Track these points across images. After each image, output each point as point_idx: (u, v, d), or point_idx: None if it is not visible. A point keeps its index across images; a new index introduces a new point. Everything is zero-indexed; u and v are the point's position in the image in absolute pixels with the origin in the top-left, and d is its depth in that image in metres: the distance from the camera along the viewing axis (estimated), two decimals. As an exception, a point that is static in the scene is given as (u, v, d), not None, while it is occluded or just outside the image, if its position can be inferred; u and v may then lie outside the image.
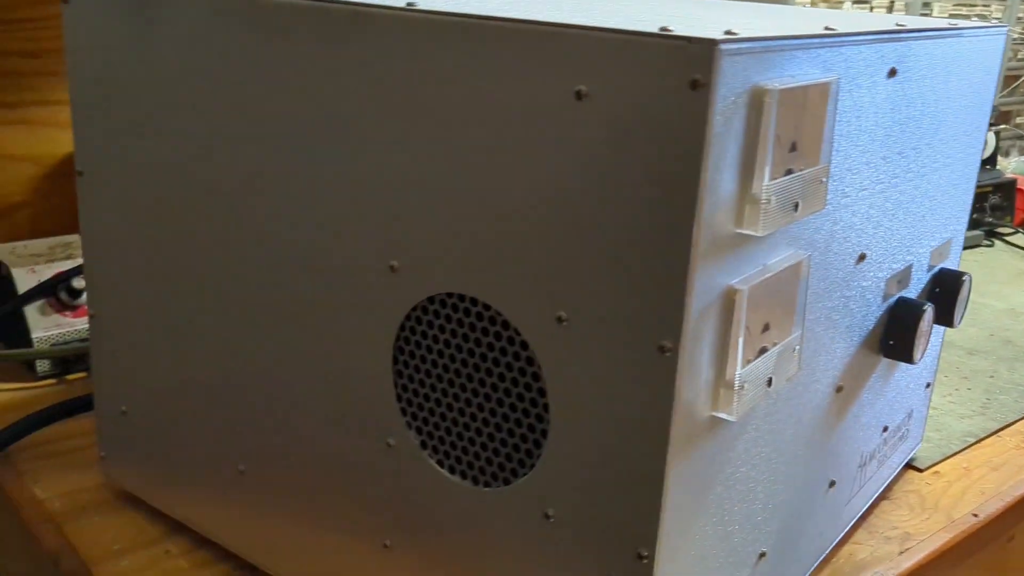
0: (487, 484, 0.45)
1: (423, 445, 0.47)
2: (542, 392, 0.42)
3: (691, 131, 0.35)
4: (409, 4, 0.43)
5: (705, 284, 0.38)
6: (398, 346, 0.46)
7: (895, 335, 0.59)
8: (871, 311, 0.57)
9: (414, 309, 0.45)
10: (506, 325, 0.42)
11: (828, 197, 0.47)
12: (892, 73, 0.50)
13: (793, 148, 0.41)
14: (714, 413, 0.41)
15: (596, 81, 0.37)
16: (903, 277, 0.60)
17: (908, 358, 0.59)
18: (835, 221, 0.49)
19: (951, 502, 0.70)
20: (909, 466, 0.75)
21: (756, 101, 0.38)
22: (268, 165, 0.49)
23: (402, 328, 0.46)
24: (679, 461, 0.39)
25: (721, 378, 0.41)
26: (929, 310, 0.59)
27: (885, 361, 0.61)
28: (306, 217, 0.48)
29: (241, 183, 0.51)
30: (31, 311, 0.82)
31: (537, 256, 0.40)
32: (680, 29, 0.36)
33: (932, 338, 0.67)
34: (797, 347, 0.46)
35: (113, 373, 0.62)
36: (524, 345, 0.42)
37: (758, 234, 0.39)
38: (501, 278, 0.42)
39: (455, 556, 0.46)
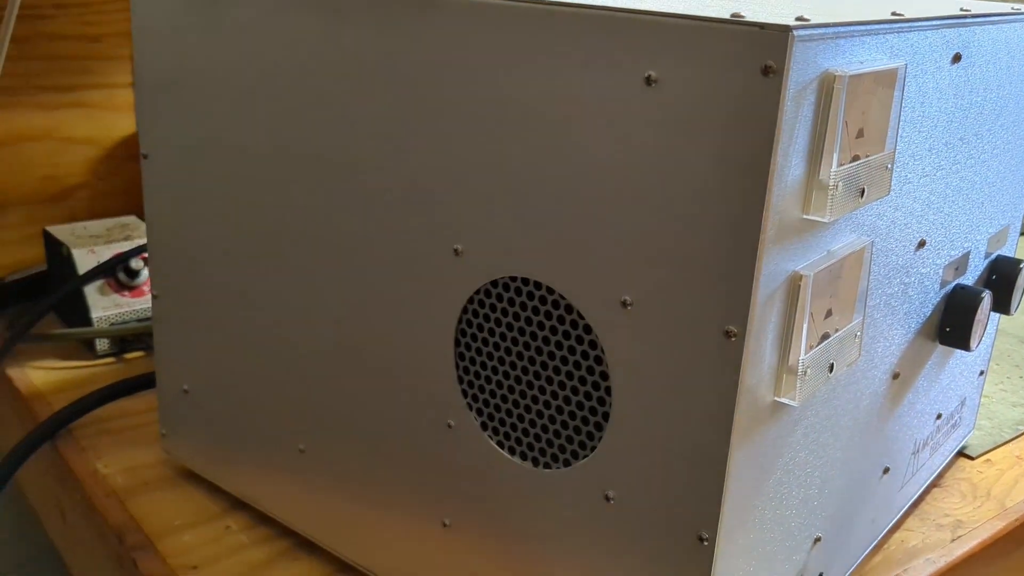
0: (547, 466, 0.45)
1: (483, 426, 0.47)
2: (604, 376, 0.42)
3: (762, 117, 0.36)
4: (476, -10, 0.43)
5: (771, 270, 0.38)
6: (460, 328, 0.47)
7: (952, 322, 0.59)
8: (928, 298, 0.57)
9: (477, 292, 0.46)
10: (569, 309, 0.43)
11: (892, 183, 0.47)
12: (956, 58, 0.50)
13: (860, 134, 0.41)
14: (777, 398, 0.41)
15: (666, 67, 0.38)
16: (960, 264, 0.60)
17: (965, 345, 0.59)
18: (897, 207, 0.49)
19: (1003, 490, 0.70)
20: (961, 454, 0.74)
21: (826, 87, 0.38)
22: (335, 149, 0.50)
23: (464, 311, 0.47)
24: (741, 446, 0.40)
25: (784, 363, 0.41)
26: (987, 297, 0.59)
27: (941, 348, 0.61)
28: (373, 200, 0.49)
29: (307, 166, 0.52)
30: (90, 291, 0.84)
31: (603, 241, 0.41)
32: (752, 15, 0.36)
33: (987, 326, 0.67)
34: (858, 333, 0.46)
35: (175, 352, 0.64)
36: (587, 329, 0.42)
37: (825, 220, 0.39)
38: (566, 263, 0.42)
39: (514, 536, 0.47)
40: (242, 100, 0.54)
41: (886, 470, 0.58)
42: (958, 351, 0.64)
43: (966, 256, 0.60)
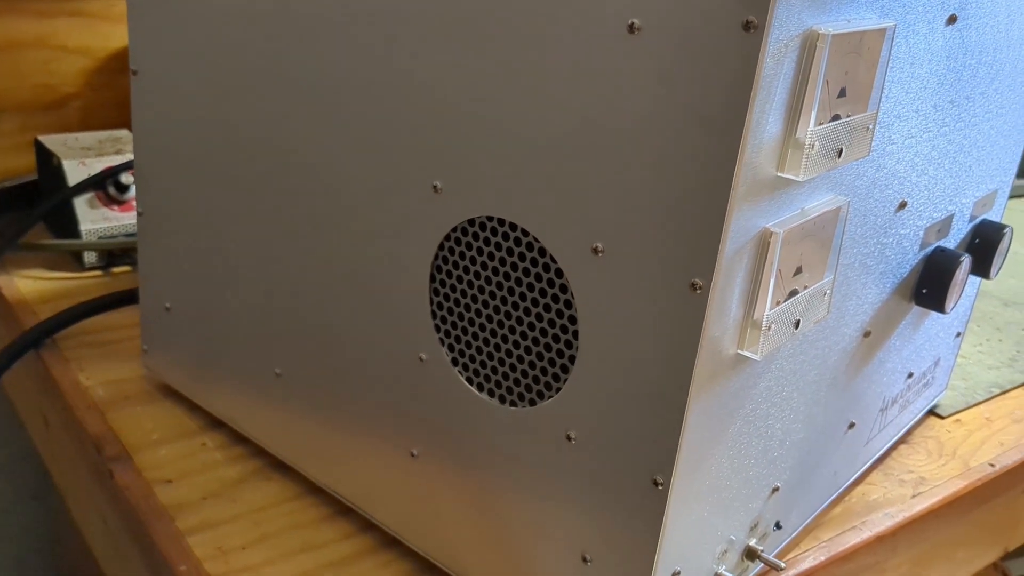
0: (514, 404, 0.46)
1: (454, 361, 0.48)
2: (573, 319, 0.43)
3: (740, 73, 0.35)
4: (467, -76, 0.43)
5: (741, 225, 0.38)
6: (436, 264, 0.47)
7: (929, 284, 0.59)
8: (907, 259, 0.57)
9: (454, 230, 0.46)
10: (543, 252, 0.43)
11: (873, 144, 0.47)
12: (952, 20, 0.49)
13: (842, 94, 0.41)
14: (740, 351, 0.42)
15: (650, 15, 0.37)
16: (943, 227, 0.60)
17: (940, 308, 0.60)
18: (879, 168, 0.49)
19: (969, 450, 0.71)
20: (931, 413, 0.75)
21: (809, 45, 0.37)
22: (320, 74, 0.50)
23: (441, 247, 0.47)
24: (700, 395, 0.41)
25: (749, 318, 0.41)
26: (965, 261, 0.59)
27: (916, 309, 0.61)
28: (356, 131, 0.49)
29: (292, 91, 0.51)
30: (80, 203, 0.84)
31: (578, 186, 0.41)
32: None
33: (967, 288, 0.67)
34: (828, 292, 0.46)
35: (159, 270, 0.64)
36: (559, 273, 0.43)
37: (799, 179, 0.39)
38: (541, 206, 0.42)
39: (478, 470, 0.48)
40: (231, 20, 0.53)
41: (851, 425, 0.59)
42: (935, 312, 0.64)
43: (949, 219, 0.61)
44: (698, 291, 0.38)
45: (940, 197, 0.58)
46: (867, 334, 0.56)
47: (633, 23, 0.38)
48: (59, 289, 0.81)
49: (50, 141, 0.89)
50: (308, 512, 0.57)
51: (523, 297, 0.45)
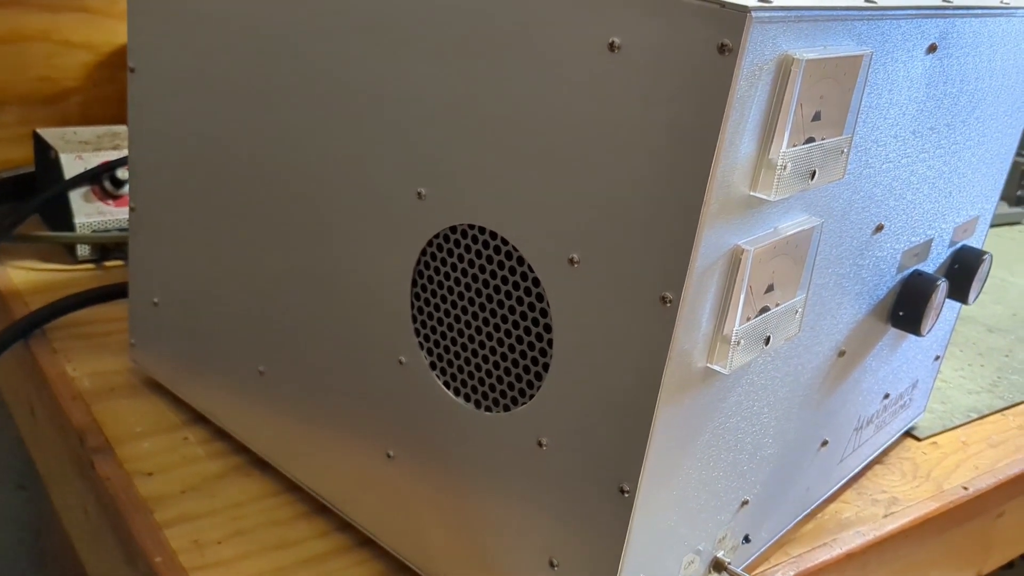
0: (488, 409, 0.47)
1: (432, 366, 0.49)
2: (548, 328, 0.44)
3: (714, 94, 0.36)
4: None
5: (712, 242, 0.39)
6: (418, 269, 0.48)
7: (905, 307, 0.60)
8: (884, 281, 0.58)
9: (436, 236, 0.47)
10: (521, 261, 0.44)
11: (849, 167, 0.48)
12: (932, 49, 0.50)
13: (817, 117, 0.42)
14: (709, 364, 0.43)
15: (630, 35, 0.38)
16: (921, 251, 0.61)
17: (916, 330, 0.61)
18: (855, 190, 0.50)
19: (944, 473, 0.72)
20: (908, 434, 0.76)
21: (783, 69, 0.38)
22: (308, 81, 0.51)
23: (423, 252, 0.48)
24: (668, 406, 0.41)
25: (719, 332, 0.42)
26: (942, 285, 0.60)
27: (894, 331, 0.62)
28: (344, 136, 0.50)
29: (280, 95, 0.52)
30: (75, 197, 0.85)
31: (556, 197, 0.42)
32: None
33: (946, 313, 0.68)
34: (800, 310, 0.47)
35: (148, 265, 0.65)
36: (536, 282, 0.44)
37: (771, 199, 0.40)
38: (520, 215, 0.43)
39: (452, 473, 0.49)
40: (224, 25, 0.54)
41: (824, 443, 0.60)
42: (912, 335, 0.65)
43: (928, 243, 0.62)
44: (668, 304, 0.39)
45: (919, 222, 0.59)
46: (842, 353, 0.57)
47: (614, 41, 0.39)
48: (51, 281, 0.82)
49: (49, 134, 0.90)
50: (285, 509, 0.58)
51: (500, 304, 0.46)
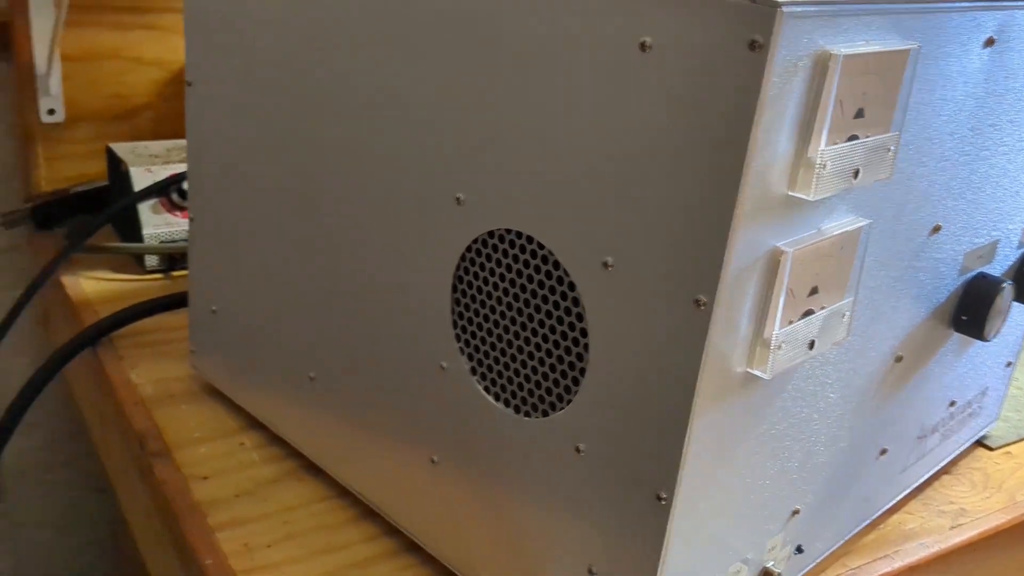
0: (527, 414, 0.47)
1: (473, 371, 0.49)
2: (584, 332, 0.43)
3: (745, 92, 0.36)
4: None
5: (748, 243, 0.38)
6: (458, 275, 0.48)
7: (968, 310, 0.58)
8: (944, 284, 0.56)
9: (475, 241, 0.47)
10: (556, 265, 0.44)
11: (901, 166, 0.46)
12: (989, 43, 0.49)
13: (860, 114, 0.41)
14: (749, 369, 0.42)
15: (660, 34, 0.38)
16: (986, 252, 0.59)
17: (980, 335, 0.58)
18: (908, 190, 0.48)
19: (1017, 484, 0.69)
20: (979, 443, 0.73)
21: (820, 65, 0.37)
22: (352, 91, 0.51)
23: (463, 258, 0.48)
24: (706, 412, 0.41)
25: (759, 336, 0.41)
26: (1008, 288, 0.58)
27: (958, 336, 0.60)
28: (386, 143, 0.50)
29: (323, 105, 0.53)
30: (144, 209, 0.88)
31: (590, 201, 0.41)
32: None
33: (1017, 317, 0.66)
34: (847, 313, 0.46)
35: (206, 274, 0.67)
36: (571, 286, 0.43)
37: (809, 198, 0.39)
38: (555, 219, 0.43)
39: (493, 479, 0.49)
40: (270, 39, 0.55)
41: (883, 451, 0.58)
42: (979, 340, 0.63)
43: (994, 245, 0.59)
44: (702, 308, 0.38)
45: (982, 222, 0.57)
46: (899, 358, 0.55)
47: (645, 41, 0.38)
48: (121, 290, 0.84)
49: (120, 148, 0.93)
50: (336, 514, 0.59)
51: (538, 309, 0.45)
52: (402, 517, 0.55)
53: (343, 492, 0.60)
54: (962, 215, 0.54)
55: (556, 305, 0.44)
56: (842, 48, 0.38)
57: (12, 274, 1.01)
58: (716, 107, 0.37)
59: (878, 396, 0.54)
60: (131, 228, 0.89)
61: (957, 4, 0.45)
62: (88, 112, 0.99)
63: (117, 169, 0.91)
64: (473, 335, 0.49)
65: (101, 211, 0.94)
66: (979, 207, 0.55)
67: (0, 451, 0.72)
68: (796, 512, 0.51)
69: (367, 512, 0.59)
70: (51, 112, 0.97)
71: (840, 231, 0.43)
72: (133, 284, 0.85)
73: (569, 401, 0.45)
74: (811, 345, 0.44)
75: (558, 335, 0.45)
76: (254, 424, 0.66)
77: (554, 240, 0.43)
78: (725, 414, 0.42)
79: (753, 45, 0.35)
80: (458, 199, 0.47)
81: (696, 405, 0.40)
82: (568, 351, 0.44)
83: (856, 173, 0.41)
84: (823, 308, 0.44)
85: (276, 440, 0.65)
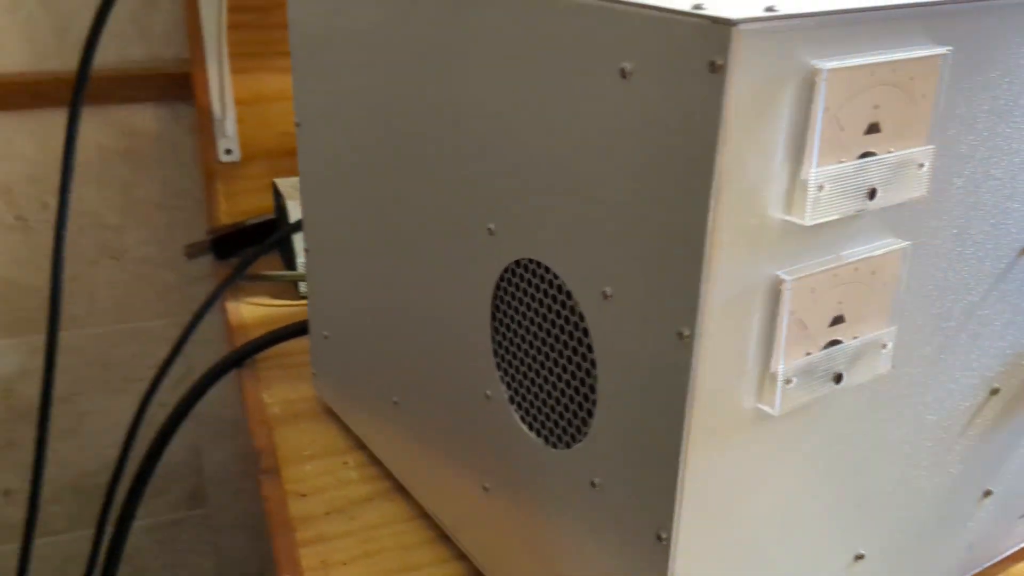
0: (555, 445, 0.46)
1: (511, 399, 0.49)
2: (594, 364, 0.43)
3: (707, 116, 0.34)
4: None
5: (736, 272, 0.36)
6: (495, 303, 0.49)
7: (1091, 338, 0.51)
8: (1055, 308, 0.50)
9: (506, 270, 0.48)
10: (570, 295, 0.43)
11: (957, 181, 0.42)
12: (1075, 38, 0.43)
13: (874, 129, 0.38)
14: (758, 405, 0.39)
15: (638, 60, 0.37)
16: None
17: (1108, 366, 0.51)
18: (972, 207, 0.44)
19: None
20: None
21: (807, 82, 0.35)
22: (414, 126, 0.53)
23: (497, 287, 0.48)
24: (706, 449, 0.39)
25: (766, 370, 0.39)
26: None
27: (1083, 366, 0.53)
28: (434, 174, 0.52)
29: (398, 143, 0.55)
30: (298, 239, 0.94)
31: (588, 230, 0.41)
32: (716, 5, 0.34)
33: None
34: (889, 343, 0.42)
35: (321, 302, 0.71)
36: (582, 316, 0.43)
37: (805, 223, 0.37)
38: (564, 248, 0.43)
39: (531, 508, 0.49)
40: (351, 76, 0.59)
41: (987, 493, 0.52)
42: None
43: None
44: (685, 340, 0.37)
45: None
46: (995, 391, 0.49)
47: (624, 68, 0.37)
48: (273, 315, 0.91)
49: (282, 183, 1.00)
50: (414, 534, 0.60)
51: (557, 338, 0.45)
52: (465, 541, 0.56)
53: (424, 514, 0.62)
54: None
55: (571, 335, 0.44)
56: (829, 62, 0.35)
57: (197, 303, 1.11)
58: (686, 132, 0.35)
59: (969, 433, 0.49)
60: (288, 257, 0.95)
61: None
62: (260, 150, 1.07)
63: (279, 202, 0.99)
64: (510, 363, 0.49)
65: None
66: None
67: (153, 465, 0.80)
68: (860, 557, 0.47)
69: (443, 535, 0.60)
70: (228, 152, 1.06)
71: (865, 256, 0.40)
72: (286, 309, 0.92)
73: (585, 433, 0.44)
74: (837, 378, 0.41)
75: (574, 366, 0.44)
76: (360, 444, 0.69)
77: (563, 268, 0.43)
78: (736, 451, 0.40)
79: (713, 67, 0.34)
80: (489, 229, 0.48)
81: (691, 441, 0.38)
82: (583, 382, 0.44)
83: (872, 193, 0.38)
84: (855, 338, 0.41)
85: (376, 460, 0.67)
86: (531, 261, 0.46)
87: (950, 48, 0.39)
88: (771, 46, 0.34)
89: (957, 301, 0.45)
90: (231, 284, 0.94)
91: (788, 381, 0.39)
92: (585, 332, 0.43)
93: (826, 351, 0.40)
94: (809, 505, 0.44)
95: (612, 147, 0.39)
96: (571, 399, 0.45)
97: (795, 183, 0.37)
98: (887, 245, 0.41)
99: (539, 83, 0.42)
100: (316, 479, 0.66)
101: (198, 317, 0.92)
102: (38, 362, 1.15)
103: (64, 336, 1.15)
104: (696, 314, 0.36)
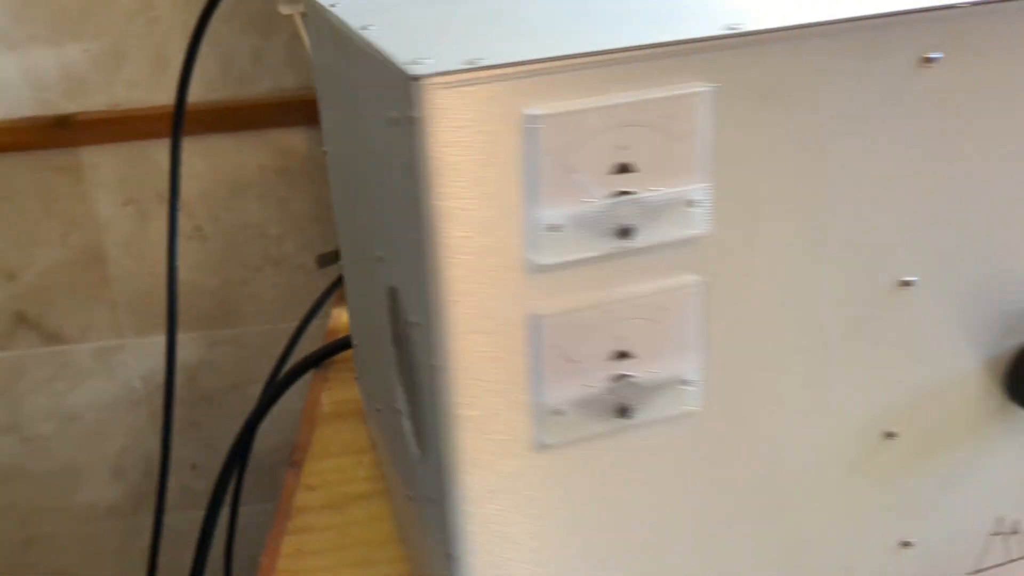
0: (424, 459, 0.50)
1: (406, 413, 0.53)
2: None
3: (416, 164, 0.36)
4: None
5: (485, 308, 0.38)
6: (391, 322, 0.53)
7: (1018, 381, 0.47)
8: (962, 349, 0.46)
9: (387, 294, 0.51)
10: (407, 322, 0.47)
11: (781, 209, 0.41)
12: (924, 61, 0.40)
13: (628, 169, 0.38)
14: (537, 435, 0.41)
15: (397, 111, 0.39)
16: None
17: (1040, 411, 0.46)
18: (811, 240, 0.42)
19: None
20: None
21: (528, 128, 0.36)
22: (354, 169, 0.58)
23: (389, 309, 0.52)
24: (481, 473, 0.40)
25: (538, 402, 0.40)
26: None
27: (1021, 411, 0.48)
28: (364, 207, 0.56)
29: (350, 178, 0.61)
30: (395, 250, 1.01)
31: (403, 264, 0.44)
32: (431, 60, 0.36)
33: None
34: (693, 379, 0.41)
35: (351, 312, 0.77)
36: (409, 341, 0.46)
37: (544, 261, 0.38)
38: (399, 278, 0.46)
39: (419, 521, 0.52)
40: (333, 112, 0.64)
41: (905, 544, 0.49)
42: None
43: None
44: (437, 371, 0.39)
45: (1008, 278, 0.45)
46: (889, 435, 0.46)
47: (391, 116, 0.40)
48: (367, 321, 0.99)
49: (395, 198, 1.08)
50: (387, 533, 0.65)
51: (402, 360, 0.48)
52: (406, 545, 0.61)
53: (401, 514, 0.66)
54: (945, 266, 0.44)
55: (404, 359, 0.47)
56: (541, 109, 0.36)
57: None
58: (411, 179, 0.37)
59: (862, 479, 0.47)
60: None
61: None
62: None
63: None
64: (403, 378, 0.53)
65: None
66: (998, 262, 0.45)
67: (245, 460, 0.90)
68: (716, 594, 0.46)
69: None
70: (358, 169, 1.16)
71: (646, 293, 0.40)
72: (379, 316, 0.99)
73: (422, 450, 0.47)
74: (622, 412, 0.41)
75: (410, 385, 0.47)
76: (375, 446, 0.75)
77: (403, 296, 0.46)
78: (522, 479, 0.41)
79: (411, 121, 0.36)
80: (379, 257, 0.52)
81: (464, 465, 0.40)
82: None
83: (626, 232, 0.38)
84: (648, 373, 0.41)
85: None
86: (392, 287, 0.49)
87: (714, 85, 0.38)
88: (474, 98, 0.36)
89: (805, 337, 0.43)
90: (336, 291, 1.03)
91: (559, 412, 0.40)
92: (412, 357, 0.46)
93: (608, 385, 0.40)
94: (624, 538, 0.44)
95: (398, 191, 0.42)
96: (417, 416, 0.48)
97: (533, 224, 0.38)
98: (674, 282, 0.40)
99: (372, 133, 0.46)
100: (329, 474, 0.73)
101: (306, 320, 1.01)
102: (216, 353, 1.31)
103: (236, 332, 1.31)
104: (443, 350, 0.38)
